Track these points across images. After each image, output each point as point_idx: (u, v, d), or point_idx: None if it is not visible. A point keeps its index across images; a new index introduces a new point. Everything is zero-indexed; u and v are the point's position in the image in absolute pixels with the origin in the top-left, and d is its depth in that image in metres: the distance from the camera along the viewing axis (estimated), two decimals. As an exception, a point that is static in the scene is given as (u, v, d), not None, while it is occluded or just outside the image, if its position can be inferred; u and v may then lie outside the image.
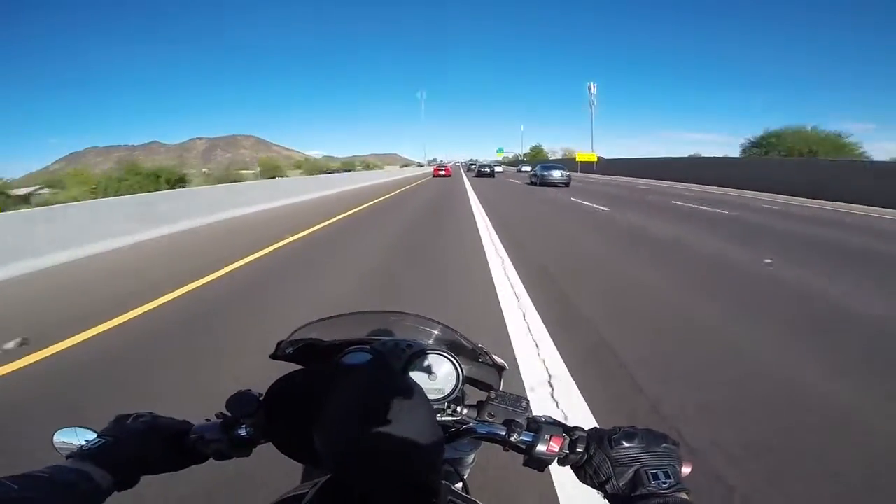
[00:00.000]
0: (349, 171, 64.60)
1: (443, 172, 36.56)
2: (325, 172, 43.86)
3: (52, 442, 0.55)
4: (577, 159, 43.04)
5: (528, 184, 23.99)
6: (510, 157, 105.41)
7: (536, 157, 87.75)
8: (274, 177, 40.83)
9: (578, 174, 36.52)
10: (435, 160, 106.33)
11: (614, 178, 31.79)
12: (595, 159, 42.47)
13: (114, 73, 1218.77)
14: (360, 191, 19.89)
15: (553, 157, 76.12)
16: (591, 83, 54.11)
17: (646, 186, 21.85)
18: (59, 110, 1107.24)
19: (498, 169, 50.91)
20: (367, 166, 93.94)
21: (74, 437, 0.55)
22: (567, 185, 21.36)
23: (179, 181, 29.40)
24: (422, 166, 73.77)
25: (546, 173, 22.23)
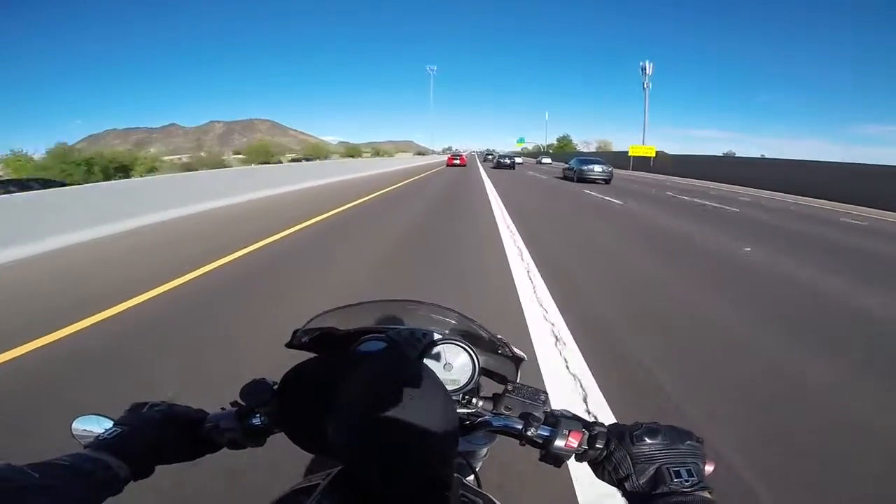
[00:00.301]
0: (353, 157, 60.67)
1: (457, 162, 33.79)
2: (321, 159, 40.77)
3: (70, 429, 0.55)
4: (630, 153, 34.35)
5: (561, 178, 21.29)
6: (530, 147, 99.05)
7: (564, 149, 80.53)
8: (268, 162, 37.79)
9: (628, 172, 29.70)
10: (449, 148, 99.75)
11: (673, 178, 24.32)
12: (653, 153, 33.28)
13: (136, 56, 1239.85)
14: (360, 181, 17.26)
15: (586, 150, 71.36)
16: (647, 62, 42.18)
17: (749, 198, 14.61)
18: (84, 92, 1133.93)
19: (518, 160, 50.68)
20: (377, 153, 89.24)
21: (93, 425, 0.55)
22: (608, 181, 18.15)
23: (121, 170, 25.46)
24: (420, 155, 67.55)
25: (585, 168, 18.76)
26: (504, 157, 37.22)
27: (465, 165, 33.46)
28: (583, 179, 18.34)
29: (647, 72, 42.71)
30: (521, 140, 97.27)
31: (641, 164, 32.96)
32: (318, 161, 30.17)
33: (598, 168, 18.42)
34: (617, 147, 78.41)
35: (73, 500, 0.42)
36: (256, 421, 0.59)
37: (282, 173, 14.92)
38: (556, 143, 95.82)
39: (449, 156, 38.80)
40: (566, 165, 22.49)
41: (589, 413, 2.06)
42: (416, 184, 16.55)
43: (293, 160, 48.39)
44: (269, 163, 34.51)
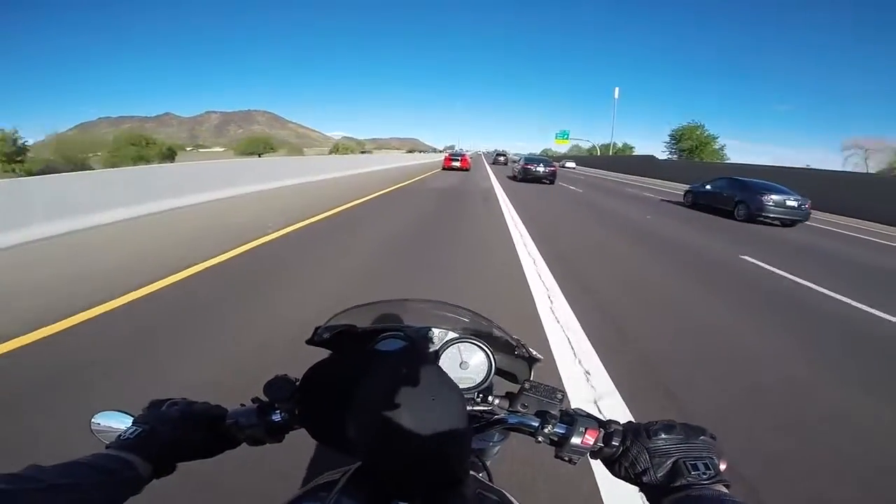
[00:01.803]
0: (334, 153, 50.63)
1: (456, 164, 24.57)
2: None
3: (90, 426, 0.56)
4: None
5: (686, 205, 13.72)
6: (582, 146, 73.97)
7: (624, 152, 64.54)
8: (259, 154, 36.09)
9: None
10: (451, 147, 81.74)
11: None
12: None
13: (132, 43, 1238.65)
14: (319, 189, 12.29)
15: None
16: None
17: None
18: (79, 79, 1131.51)
19: (570, 165, 40.50)
20: (336, 149, 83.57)
21: (113, 421, 0.56)
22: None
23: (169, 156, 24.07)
24: (413, 153, 54.86)
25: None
26: (534, 161, 19.70)
27: (467, 169, 24.70)
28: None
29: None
30: (564, 135, 60.71)
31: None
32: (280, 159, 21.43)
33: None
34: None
35: (99, 499, 0.43)
36: (277, 417, 0.60)
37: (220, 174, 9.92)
38: (621, 146, 68.24)
39: (446, 156, 28.08)
40: (702, 188, 13.16)
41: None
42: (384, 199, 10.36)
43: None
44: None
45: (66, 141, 45.19)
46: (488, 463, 0.79)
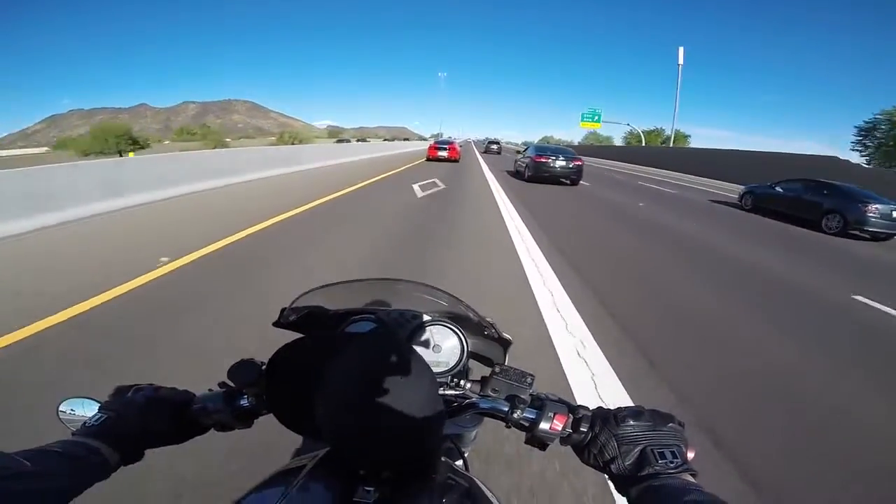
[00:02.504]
0: (297, 143, 44.55)
1: (443, 154, 21.25)
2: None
3: (56, 412, 0.57)
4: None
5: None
6: (545, 137, 65.82)
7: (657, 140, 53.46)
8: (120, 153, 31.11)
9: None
10: (439, 135, 72.26)
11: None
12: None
13: (106, 31, 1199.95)
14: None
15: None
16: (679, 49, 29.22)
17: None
18: (49, 69, 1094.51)
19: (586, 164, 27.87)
20: (340, 138, 76.05)
21: (79, 408, 0.57)
22: None
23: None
24: (390, 142, 43.75)
25: None
26: (553, 152, 13.94)
27: (456, 160, 21.47)
28: None
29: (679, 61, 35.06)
30: (594, 116, 42.77)
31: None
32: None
33: None
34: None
35: (65, 486, 0.43)
36: (244, 402, 0.59)
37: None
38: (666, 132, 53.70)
39: (432, 144, 24.47)
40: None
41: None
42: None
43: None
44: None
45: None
46: (466, 450, 0.80)
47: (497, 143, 42.32)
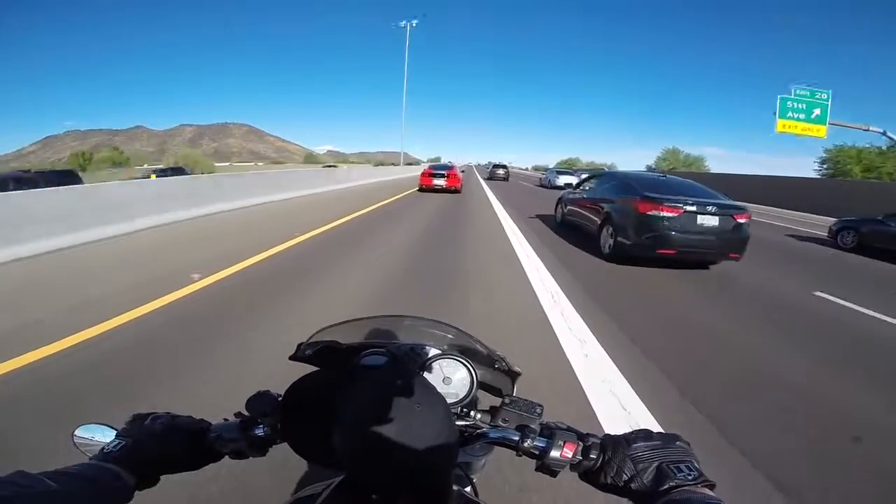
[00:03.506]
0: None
1: (440, 183, 16.79)
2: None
3: (72, 437, 0.59)
4: None
5: None
6: (567, 161, 61.49)
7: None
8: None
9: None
10: (437, 159, 66.71)
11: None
12: None
13: (105, 54, 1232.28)
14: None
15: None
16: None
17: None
18: (45, 90, 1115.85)
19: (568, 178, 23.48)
20: (329, 164, 73.72)
21: (96, 434, 0.60)
22: None
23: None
24: (377, 167, 37.87)
25: None
26: (685, 192, 6.34)
27: (457, 191, 17.00)
28: None
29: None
30: (810, 107, 14.75)
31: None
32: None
33: None
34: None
35: None
36: (260, 432, 0.62)
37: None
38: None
39: (425, 170, 18.22)
40: None
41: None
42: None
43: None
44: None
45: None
46: (474, 477, 0.84)
47: (504, 167, 37.22)
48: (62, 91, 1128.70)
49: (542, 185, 26.47)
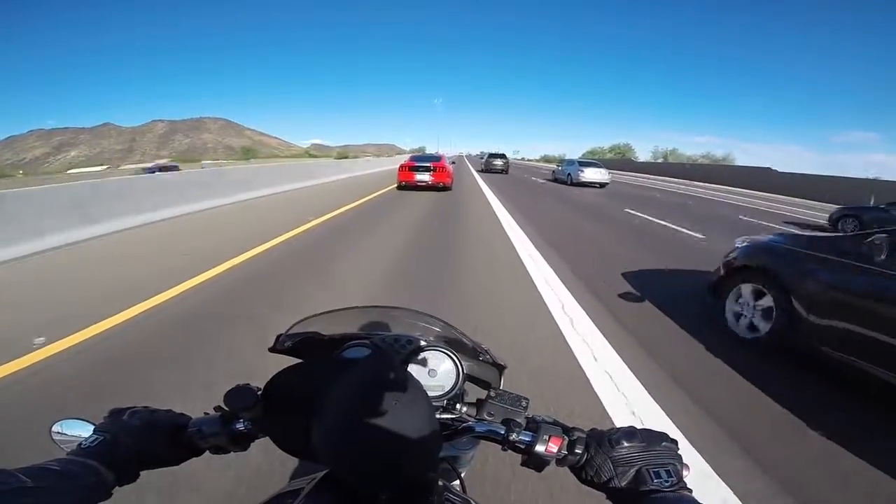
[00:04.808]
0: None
1: (424, 177, 13.52)
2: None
3: (49, 433, 0.60)
4: None
5: None
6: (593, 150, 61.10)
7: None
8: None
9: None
10: (421, 149, 60.61)
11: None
12: None
13: (69, 50, 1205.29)
14: None
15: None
16: None
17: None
18: (5, 89, 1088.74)
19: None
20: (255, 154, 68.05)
21: (73, 429, 0.60)
22: None
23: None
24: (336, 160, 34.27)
25: None
26: None
27: (446, 188, 13.76)
28: None
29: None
30: None
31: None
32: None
33: None
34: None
35: (65, 503, 0.45)
36: (240, 426, 0.63)
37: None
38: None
39: (404, 163, 14.48)
40: None
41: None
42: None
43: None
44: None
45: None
46: (462, 471, 0.82)
47: (503, 156, 30.47)
48: (27, 90, 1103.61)
49: (555, 180, 21.68)
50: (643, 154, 66.98)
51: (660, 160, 59.33)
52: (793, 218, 12.38)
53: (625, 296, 4.17)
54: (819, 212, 14.41)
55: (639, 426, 0.60)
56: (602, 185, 19.12)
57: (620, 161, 50.66)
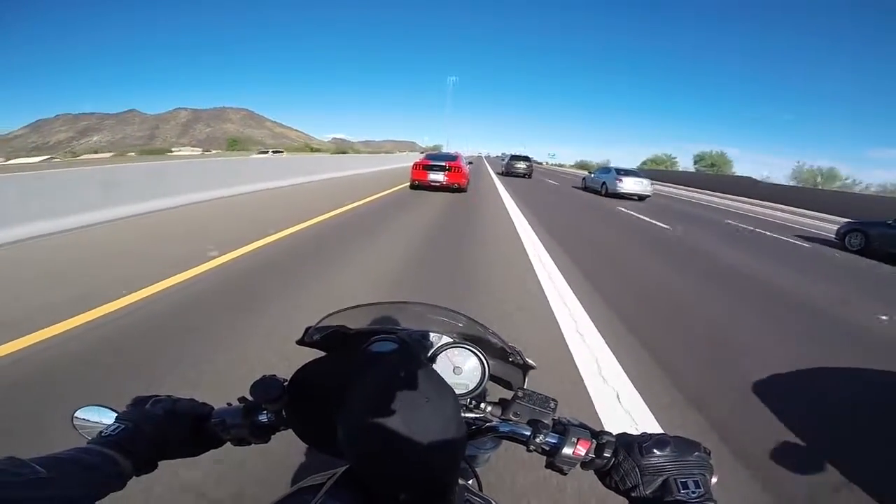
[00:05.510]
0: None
1: (439, 177, 13.11)
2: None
3: (71, 420, 0.60)
4: None
5: None
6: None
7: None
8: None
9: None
10: (436, 147, 59.17)
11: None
12: None
13: (99, 37, 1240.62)
14: None
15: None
16: None
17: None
18: (36, 74, 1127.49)
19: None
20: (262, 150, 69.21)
21: (95, 416, 0.60)
22: None
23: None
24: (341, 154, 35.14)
25: None
26: None
27: (461, 189, 13.38)
28: None
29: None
30: None
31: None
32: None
33: None
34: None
35: (79, 494, 0.45)
36: (263, 418, 0.63)
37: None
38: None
39: (418, 161, 14.14)
40: None
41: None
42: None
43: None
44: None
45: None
46: (478, 470, 0.86)
47: (526, 159, 28.49)
48: (56, 75, 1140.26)
49: (585, 189, 20.77)
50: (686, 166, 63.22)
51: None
52: (804, 231, 12.73)
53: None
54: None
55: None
56: (641, 198, 17.57)
57: (659, 172, 47.87)
